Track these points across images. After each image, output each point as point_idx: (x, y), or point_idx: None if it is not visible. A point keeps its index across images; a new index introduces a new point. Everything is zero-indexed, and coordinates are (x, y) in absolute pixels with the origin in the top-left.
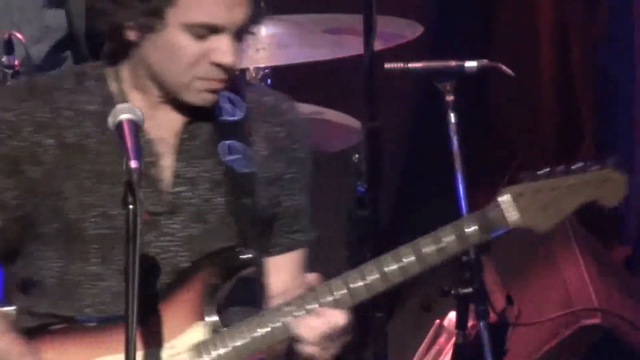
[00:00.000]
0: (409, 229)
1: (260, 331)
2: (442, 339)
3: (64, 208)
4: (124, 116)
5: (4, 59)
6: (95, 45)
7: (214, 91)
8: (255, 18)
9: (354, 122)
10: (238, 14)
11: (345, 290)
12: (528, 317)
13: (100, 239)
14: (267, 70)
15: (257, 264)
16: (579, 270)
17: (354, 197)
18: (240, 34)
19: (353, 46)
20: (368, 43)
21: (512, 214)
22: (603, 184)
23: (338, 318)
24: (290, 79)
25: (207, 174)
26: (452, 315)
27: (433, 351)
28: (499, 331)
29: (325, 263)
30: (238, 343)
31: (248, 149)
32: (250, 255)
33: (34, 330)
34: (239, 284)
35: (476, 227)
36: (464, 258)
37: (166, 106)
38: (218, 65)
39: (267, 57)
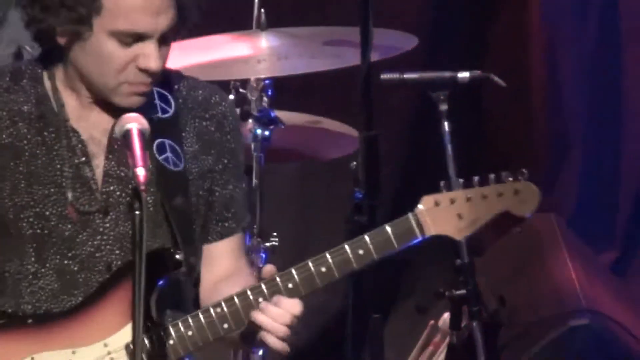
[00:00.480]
0: None
1: (211, 320)
2: (436, 339)
3: (0, 207)
4: (132, 125)
5: None
6: None
7: (141, 94)
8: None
9: (351, 131)
10: (162, 21)
11: (297, 280)
12: (519, 318)
13: (35, 239)
14: (267, 81)
15: (188, 266)
16: (568, 273)
17: (351, 203)
18: (166, 39)
19: (351, 57)
20: (365, 54)
21: (427, 222)
22: (516, 195)
23: (294, 306)
24: (290, 90)
25: None
26: (446, 316)
27: (428, 351)
28: (491, 331)
29: None
30: (189, 333)
31: (179, 147)
32: (179, 257)
33: None
34: (171, 285)
35: (392, 236)
36: (458, 262)
37: (98, 106)
38: (144, 71)
39: (267, 68)
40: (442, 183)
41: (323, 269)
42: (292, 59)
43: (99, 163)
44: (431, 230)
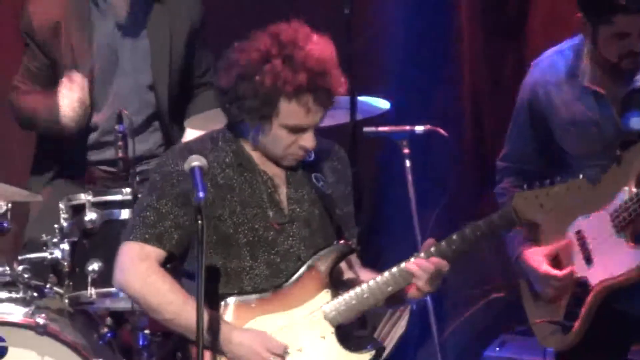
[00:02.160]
0: (380, 237)
1: (379, 286)
2: (402, 307)
3: (222, 227)
4: (195, 163)
5: (117, 126)
6: (177, 118)
7: (299, 160)
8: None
9: None
10: (317, 118)
11: (446, 247)
12: (458, 292)
13: (249, 244)
14: None
15: (355, 251)
16: (493, 261)
17: None
18: (317, 126)
19: (342, 117)
20: (352, 115)
21: (521, 212)
22: (579, 190)
23: (443, 264)
24: None
25: (307, 196)
26: None
27: (396, 315)
28: (440, 301)
29: None
30: (365, 295)
31: (324, 178)
32: (352, 245)
33: (207, 304)
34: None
35: (501, 221)
36: (415, 254)
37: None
38: (304, 148)
39: None
40: (525, 185)
41: (453, 247)
42: None
43: (282, 191)
44: (524, 217)
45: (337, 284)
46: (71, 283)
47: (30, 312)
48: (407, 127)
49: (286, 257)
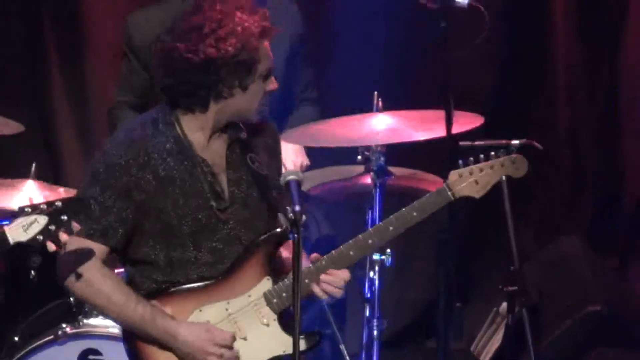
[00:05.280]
0: (476, 250)
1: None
2: (498, 320)
3: (165, 218)
4: (291, 177)
5: None
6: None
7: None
8: None
9: (438, 180)
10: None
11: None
12: (553, 305)
13: (192, 234)
14: (383, 147)
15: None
16: (587, 274)
17: (439, 225)
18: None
19: (439, 131)
20: (449, 129)
21: (456, 189)
22: (513, 164)
23: (344, 274)
24: (397, 151)
25: (245, 177)
26: (504, 305)
27: (492, 328)
28: (535, 315)
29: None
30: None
31: (258, 159)
32: (282, 229)
33: (153, 292)
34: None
35: (435, 198)
36: (512, 267)
37: (214, 137)
38: (269, 93)
39: (383, 138)
40: (460, 162)
41: (391, 228)
42: (400, 132)
43: (222, 177)
44: (458, 193)
45: (276, 269)
46: None
47: None
48: (503, 141)
49: (228, 241)
